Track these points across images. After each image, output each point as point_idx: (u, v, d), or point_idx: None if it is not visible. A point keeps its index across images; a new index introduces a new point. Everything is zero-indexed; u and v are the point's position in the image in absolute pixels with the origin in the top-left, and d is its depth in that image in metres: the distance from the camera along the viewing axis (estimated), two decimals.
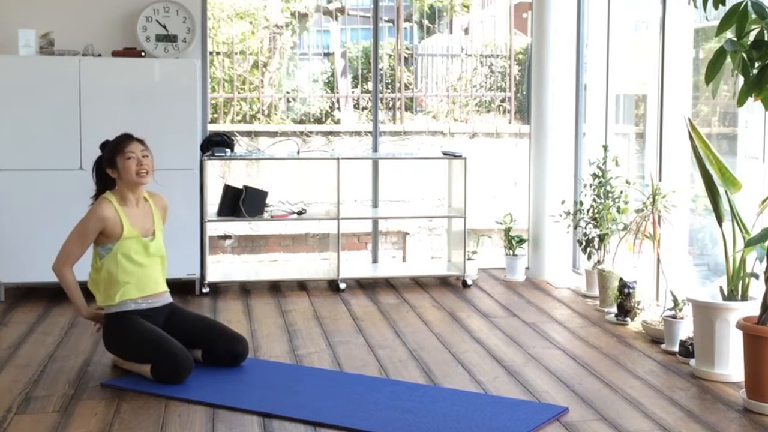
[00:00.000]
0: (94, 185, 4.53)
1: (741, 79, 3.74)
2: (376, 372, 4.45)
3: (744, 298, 4.31)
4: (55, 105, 5.82)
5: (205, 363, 4.42)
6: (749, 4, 3.62)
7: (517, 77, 10.80)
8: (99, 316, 4.46)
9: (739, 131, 5.44)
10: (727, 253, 4.40)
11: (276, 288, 6.39)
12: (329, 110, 10.95)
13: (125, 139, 4.43)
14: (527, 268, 6.79)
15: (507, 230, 6.75)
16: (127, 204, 4.42)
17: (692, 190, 5.56)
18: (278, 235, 8.94)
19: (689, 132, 4.60)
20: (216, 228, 8.57)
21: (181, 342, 4.28)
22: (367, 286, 6.45)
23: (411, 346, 4.92)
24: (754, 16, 3.64)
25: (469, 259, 6.55)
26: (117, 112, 5.89)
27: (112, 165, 4.39)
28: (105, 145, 4.49)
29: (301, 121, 10.50)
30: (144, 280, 4.42)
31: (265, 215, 6.36)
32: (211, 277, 6.23)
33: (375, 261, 7.12)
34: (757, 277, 4.21)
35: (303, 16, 11.53)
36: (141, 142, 4.45)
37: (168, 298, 4.57)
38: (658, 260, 5.28)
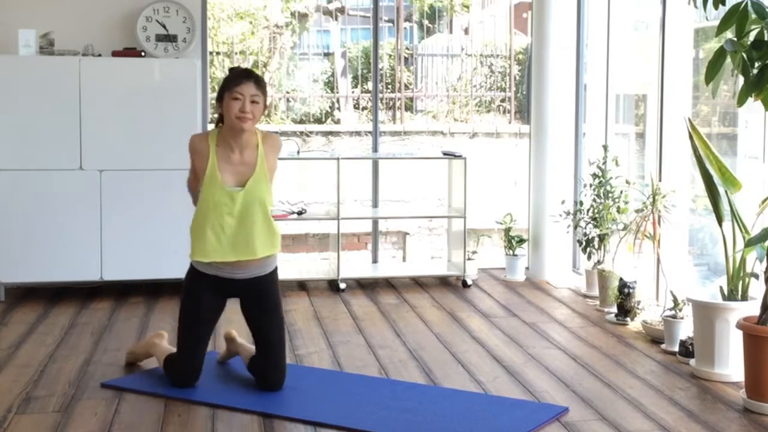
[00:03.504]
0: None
1: (741, 79, 3.74)
2: (376, 372, 4.45)
3: (744, 298, 4.31)
4: (55, 105, 5.82)
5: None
6: (749, 4, 3.62)
7: (517, 77, 10.80)
8: None
9: (739, 131, 5.44)
10: (727, 253, 4.40)
11: None
12: (329, 110, 10.95)
13: (240, 76, 3.97)
14: (527, 268, 6.79)
15: (507, 230, 6.75)
16: (227, 147, 3.99)
17: (692, 190, 5.56)
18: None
19: (689, 132, 4.60)
20: None
21: None
22: (367, 286, 6.45)
23: (411, 346, 4.92)
24: (754, 16, 3.64)
25: (469, 259, 6.55)
26: (117, 112, 5.89)
27: (219, 99, 3.98)
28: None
29: (301, 121, 10.51)
30: (232, 241, 3.98)
31: None
32: None
33: (375, 261, 7.12)
34: (757, 277, 4.21)
35: (303, 16, 11.53)
36: (258, 83, 3.96)
37: (254, 272, 4.08)
38: (658, 260, 5.28)
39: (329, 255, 7.18)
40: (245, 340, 4.44)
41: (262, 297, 4.13)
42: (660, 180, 5.40)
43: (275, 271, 4.19)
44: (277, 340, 4.15)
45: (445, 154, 6.76)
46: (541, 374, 4.41)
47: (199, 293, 4.10)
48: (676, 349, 4.67)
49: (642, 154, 6.40)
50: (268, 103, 4.07)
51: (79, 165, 5.86)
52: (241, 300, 4.17)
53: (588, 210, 6.00)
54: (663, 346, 4.81)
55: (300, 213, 6.46)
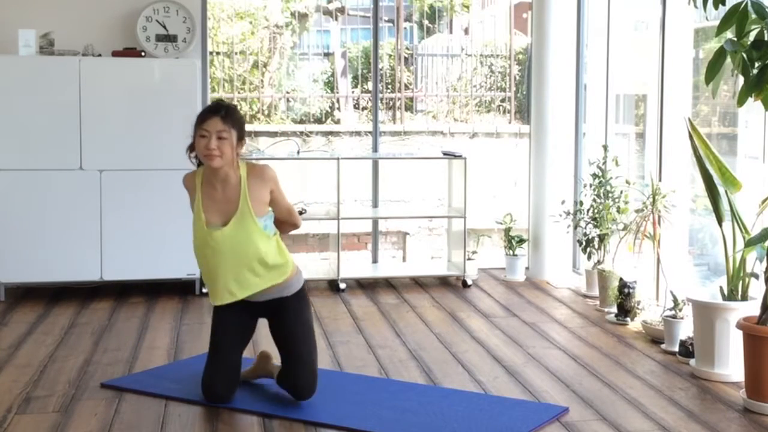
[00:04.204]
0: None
1: (741, 79, 3.74)
2: (376, 372, 4.45)
3: (744, 298, 4.31)
4: (55, 105, 5.82)
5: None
6: (749, 4, 3.62)
7: (517, 77, 10.80)
8: None
9: (739, 131, 5.44)
10: (727, 253, 4.40)
11: None
12: (329, 110, 10.95)
13: (207, 112, 3.86)
14: (527, 268, 6.79)
15: (507, 230, 6.75)
16: (210, 185, 3.88)
17: (692, 190, 5.56)
18: None
19: (689, 132, 4.60)
20: None
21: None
22: (367, 286, 6.45)
23: (411, 346, 4.92)
24: (754, 16, 3.64)
25: (469, 259, 6.55)
26: (117, 112, 5.90)
27: (193, 137, 3.87)
28: None
29: (301, 121, 10.50)
30: (213, 277, 3.89)
31: None
32: None
33: (375, 261, 7.12)
34: (757, 277, 4.21)
35: (303, 16, 11.52)
36: (224, 117, 3.80)
37: (271, 296, 3.95)
38: (658, 260, 5.28)
39: (329, 255, 7.18)
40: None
41: (288, 316, 3.99)
42: (660, 180, 5.41)
43: (300, 292, 4.04)
44: (306, 353, 3.96)
45: (445, 154, 6.76)
46: (541, 374, 4.41)
47: (223, 313, 3.99)
48: (676, 349, 4.67)
49: (642, 154, 6.40)
50: (243, 134, 3.90)
51: (79, 165, 5.86)
52: (268, 320, 4.05)
53: (588, 210, 6.00)
54: (663, 346, 4.81)
55: (300, 213, 6.46)
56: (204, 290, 6.11)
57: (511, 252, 6.70)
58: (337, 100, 11.05)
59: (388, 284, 6.53)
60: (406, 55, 11.41)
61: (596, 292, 5.86)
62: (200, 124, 3.82)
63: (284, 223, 4.13)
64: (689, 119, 4.68)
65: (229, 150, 3.80)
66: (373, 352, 4.79)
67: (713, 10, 3.86)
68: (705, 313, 4.31)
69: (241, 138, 3.87)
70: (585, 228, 6.00)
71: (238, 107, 3.97)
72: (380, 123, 7.28)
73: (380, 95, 9.17)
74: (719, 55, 3.67)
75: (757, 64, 3.66)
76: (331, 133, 9.57)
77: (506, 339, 5.06)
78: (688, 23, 5.46)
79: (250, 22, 10.78)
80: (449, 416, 3.79)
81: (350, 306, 5.87)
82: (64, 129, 5.83)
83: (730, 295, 4.34)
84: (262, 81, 10.68)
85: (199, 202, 3.89)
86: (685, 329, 4.69)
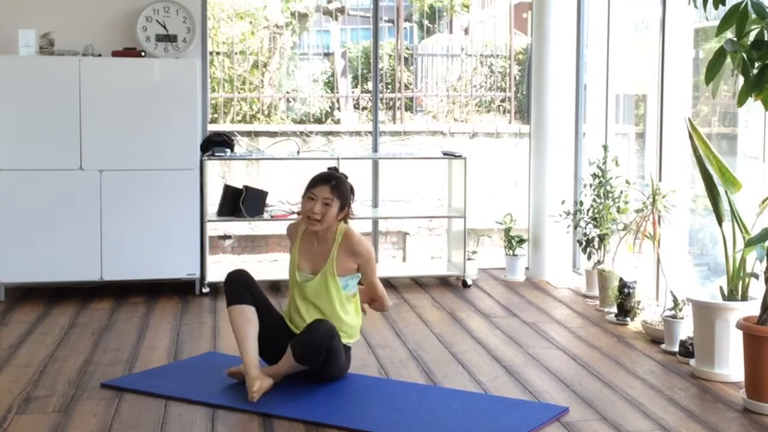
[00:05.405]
0: None
1: (741, 79, 3.74)
2: (376, 372, 4.45)
3: (744, 298, 4.31)
4: (55, 105, 5.82)
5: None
6: (749, 4, 3.62)
7: (517, 77, 10.80)
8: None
9: (739, 131, 5.44)
10: (727, 253, 4.40)
11: (276, 288, 6.38)
12: (329, 110, 10.95)
13: (319, 178, 4.24)
14: (527, 268, 6.78)
15: (507, 230, 6.75)
16: (310, 236, 4.30)
17: (692, 190, 5.56)
18: (278, 235, 8.93)
19: (689, 132, 4.60)
20: (216, 228, 8.56)
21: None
22: None
23: (411, 346, 4.92)
24: (754, 16, 3.65)
25: (469, 259, 6.55)
26: (117, 112, 5.90)
27: (303, 197, 4.26)
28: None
29: (301, 121, 10.50)
30: (298, 318, 4.27)
31: (265, 215, 6.36)
32: (211, 277, 6.22)
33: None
34: (757, 277, 4.21)
35: (303, 16, 11.52)
36: (333, 187, 4.18)
37: None
38: (658, 260, 5.28)
39: None
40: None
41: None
42: (660, 180, 5.41)
43: (348, 347, 4.30)
44: (323, 328, 4.07)
45: (445, 154, 6.76)
46: (541, 374, 4.41)
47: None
48: (676, 349, 4.67)
49: (642, 154, 6.41)
50: (347, 205, 4.26)
51: (79, 165, 5.86)
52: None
53: (588, 210, 6.00)
54: (663, 346, 4.81)
55: (300, 213, 6.45)
56: (204, 290, 6.11)
57: (511, 252, 6.70)
58: (337, 100, 11.05)
59: (388, 284, 6.52)
60: (406, 55, 11.42)
61: (596, 292, 5.86)
62: (311, 187, 4.22)
63: (373, 299, 4.48)
64: (689, 119, 4.68)
65: (329, 217, 4.19)
66: (373, 352, 4.79)
67: (713, 10, 3.86)
68: (705, 313, 4.31)
69: (343, 208, 4.23)
70: (585, 228, 6.00)
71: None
72: (380, 123, 7.28)
73: (380, 95, 9.17)
74: (719, 55, 3.67)
75: (757, 64, 3.66)
76: (331, 133, 9.57)
77: (506, 339, 5.06)
78: (688, 23, 5.46)
79: (250, 22, 10.78)
80: (449, 416, 3.79)
81: None
82: (64, 129, 5.83)
83: (730, 295, 4.34)
84: (262, 81, 10.68)
85: (296, 248, 4.33)
86: (685, 329, 4.69)
